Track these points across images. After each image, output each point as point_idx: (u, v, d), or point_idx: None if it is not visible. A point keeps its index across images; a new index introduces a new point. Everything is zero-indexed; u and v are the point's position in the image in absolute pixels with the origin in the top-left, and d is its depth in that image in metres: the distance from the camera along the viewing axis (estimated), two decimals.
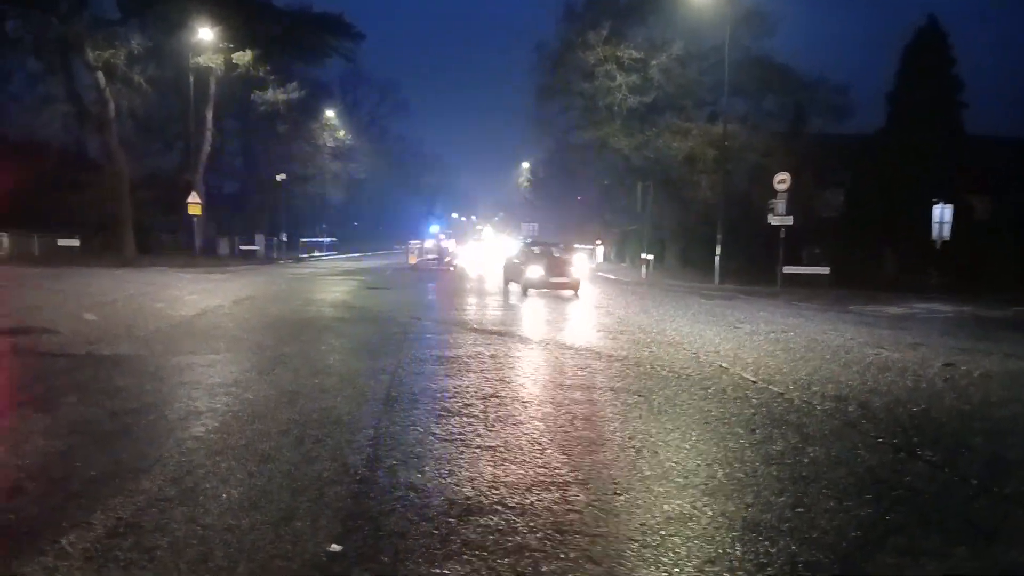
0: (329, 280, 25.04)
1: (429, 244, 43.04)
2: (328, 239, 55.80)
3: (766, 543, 4.03)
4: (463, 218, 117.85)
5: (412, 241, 42.34)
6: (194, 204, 33.24)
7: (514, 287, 22.41)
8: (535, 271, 20.44)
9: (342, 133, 52.69)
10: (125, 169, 34.71)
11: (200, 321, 12.87)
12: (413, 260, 38.93)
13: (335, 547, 3.80)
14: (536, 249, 23.60)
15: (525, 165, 74.58)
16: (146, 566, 3.57)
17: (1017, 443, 6.53)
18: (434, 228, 52.41)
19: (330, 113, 50.74)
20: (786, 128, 36.39)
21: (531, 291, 20.57)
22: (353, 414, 6.55)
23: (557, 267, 20.94)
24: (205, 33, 33.38)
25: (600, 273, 33.49)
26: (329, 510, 4.30)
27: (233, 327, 12.29)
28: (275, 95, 38.79)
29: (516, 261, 22.72)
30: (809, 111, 37.01)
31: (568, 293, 20.81)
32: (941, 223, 24.76)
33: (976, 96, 36.34)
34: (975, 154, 32.98)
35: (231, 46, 34.98)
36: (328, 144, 49.39)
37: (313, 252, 49.60)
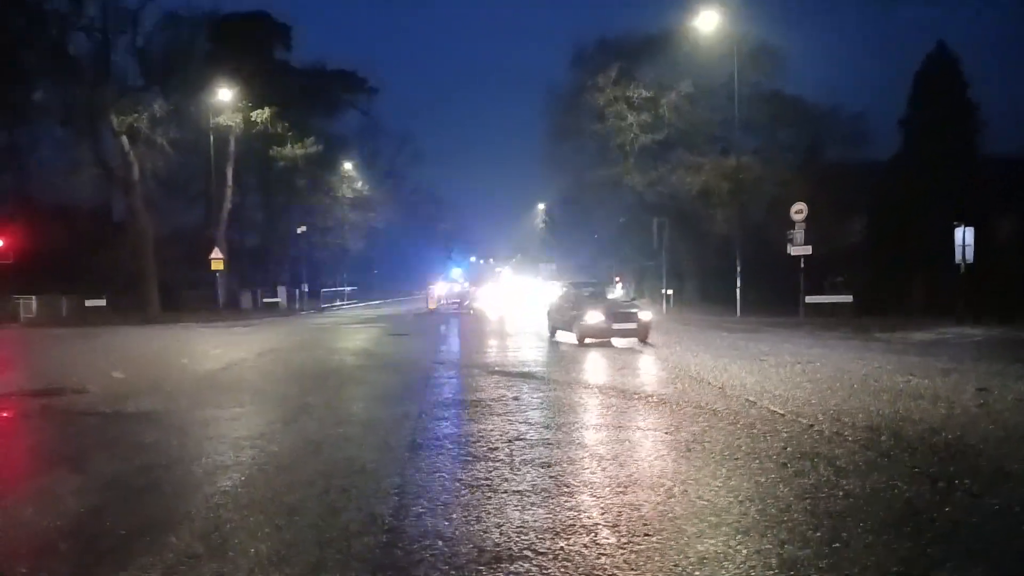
0: (351, 329, 25.19)
1: (445, 288, 43.30)
2: (349, 288, 56.27)
3: None
4: (481, 261, 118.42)
5: (431, 285, 42.56)
6: (216, 260, 33.76)
7: (564, 335, 19.08)
8: (594, 316, 17.06)
9: (360, 184, 53.52)
10: (149, 228, 35.42)
11: (224, 375, 12.96)
12: (432, 305, 39.09)
13: None
14: (587, 291, 20.74)
15: (540, 206, 75.13)
16: None
17: None
18: (455, 272, 52.82)
19: (348, 165, 51.63)
20: (801, 158, 36.44)
21: (588, 340, 17.30)
22: (378, 462, 6.53)
23: (620, 311, 17.71)
24: (224, 94, 34.30)
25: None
26: (357, 561, 4.26)
27: (257, 379, 12.37)
28: (293, 150, 39.62)
29: (566, 305, 19.34)
30: (825, 140, 37.06)
31: (631, 341, 17.62)
32: (964, 246, 24.46)
33: (994, 117, 36.20)
34: (995, 174, 32.70)
35: (249, 104, 35.88)
36: (347, 195, 50.13)
37: (335, 301, 49.99)
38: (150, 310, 34.56)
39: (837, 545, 4.45)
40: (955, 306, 24.90)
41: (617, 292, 38.03)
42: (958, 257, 24.76)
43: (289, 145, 39.34)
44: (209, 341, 20.27)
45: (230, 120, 35.52)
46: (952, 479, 5.83)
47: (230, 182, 38.77)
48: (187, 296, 39.53)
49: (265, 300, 41.34)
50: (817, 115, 35.76)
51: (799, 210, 25.67)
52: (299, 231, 43.49)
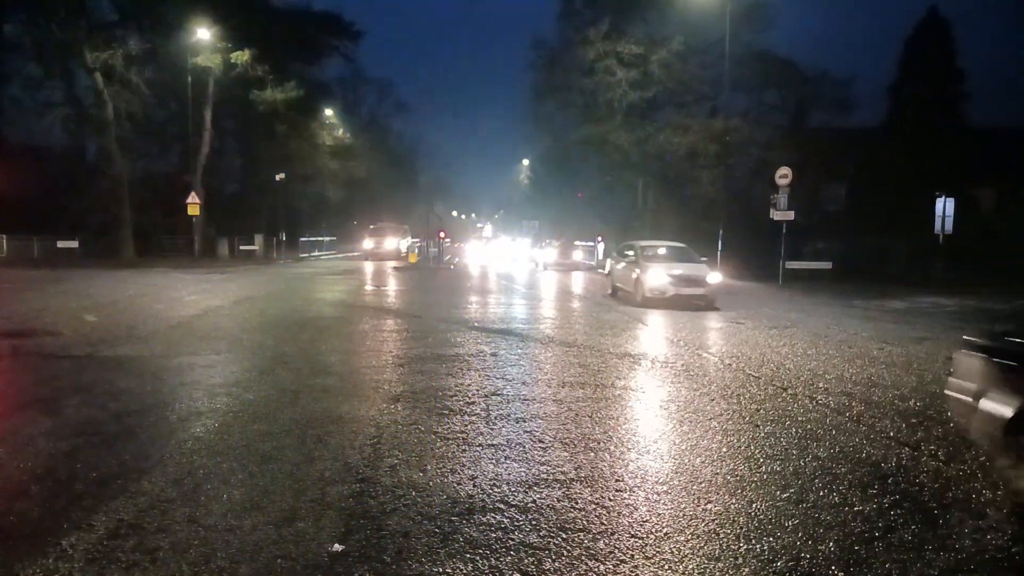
0: (329, 279, 25.01)
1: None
2: (328, 238, 55.75)
3: (770, 540, 4.01)
4: (463, 216, 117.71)
5: (412, 239, 42.35)
6: (193, 204, 33.23)
7: (623, 294, 18.59)
8: (657, 276, 16.43)
9: (341, 132, 52.65)
10: (124, 171, 34.70)
11: (200, 322, 12.85)
12: (413, 258, 38.90)
13: (337, 547, 3.78)
14: (658, 249, 18.84)
15: (525, 162, 74.54)
16: (148, 567, 3.55)
17: None
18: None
19: (329, 112, 50.71)
20: (788, 122, 36.34)
21: (650, 296, 16.48)
22: (354, 413, 6.53)
23: (685, 274, 16.49)
24: (203, 33, 33.34)
25: (601, 270, 33.44)
26: (331, 510, 4.28)
27: (233, 327, 12.27)
28: (273, 94, 38.75)
29: (626, 264, 18.48)
30: (811, 105, 36.95)
31: (697, 303, 16.58)
32: (944, 216, 24.69)
33: (980, 87, 36.30)
34: (978, 146, 32.87)
35: (229, 45, 34.92)
36: (327, 143, 49.33)
37: (313, 251, 49.58)
38: (124, 255, 34.06)
39: (804, 505, 4.54)
40: (932, 275, 25.21)
41: (599, 252, 37.97)
42: (938, 227, 24.98)
43: (269, 89, 38.47)
44: (184, 288, 20.04)
45: (208, 61, 34.58)
46: (919, 444, 5.95)
47: (208, 126, 37.91)
48: (162, 242, 38.99)
49: (242, 248, 40.86)
50: (805, 77, 35.59)
51: (784, 175, 25.64)
52: (278, 178, 42.82)
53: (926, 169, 30.64)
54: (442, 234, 47.55)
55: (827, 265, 27.36)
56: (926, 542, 4.06)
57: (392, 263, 36.98)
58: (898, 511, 4.48)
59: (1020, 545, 4.10)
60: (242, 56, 35.30)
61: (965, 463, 5.48)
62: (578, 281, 27.61)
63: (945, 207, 24.66)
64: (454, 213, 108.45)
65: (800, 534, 4.10)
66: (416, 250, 40.91)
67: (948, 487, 5.00)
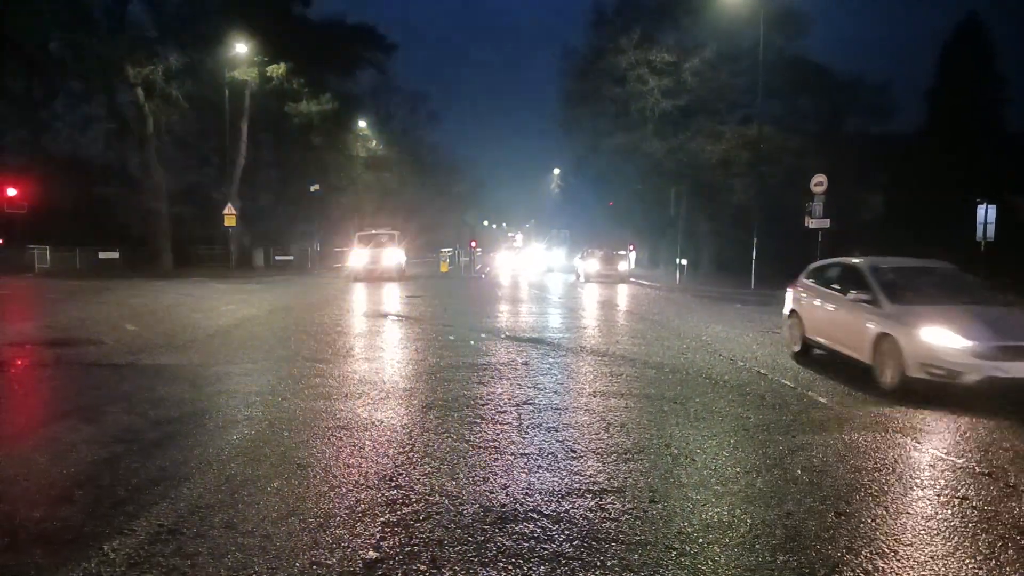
0: (362, 289, 25.25)
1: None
2: None
3: (809, 552, 3.95)
4: (494, 226, 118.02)
5: (444, 249, 42.56)
6: (229, 216, 33.80)
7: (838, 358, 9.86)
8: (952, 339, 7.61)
9: (375, 143, 53.20)
10: (163, 183, 35.48)
11: (237, 331, 13.05)
12: (445, 268, 39.09)
13: (372, 554, 3.81)
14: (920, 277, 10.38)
15: (556, 171, 74.62)
16: (187, 572, 3.61)
17: None
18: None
19: (363, 124, 51.30)
20: (822, 129, 35.87)
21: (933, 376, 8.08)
22: (388, 421, 6.58)
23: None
24: (240, 47, 34.01)
25: (633, 279, 33.25)
26: (366, 517, 4.31)
27: (269, 337, 12.45)
28: (308, 107, 39.33)
29: (836, 300, 9.95)
30: (847, 111, 36.42)
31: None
32: (985, 223, 24.12)
33: (1020, 92, 35.47)
34: (1019, 152, 32.10)
35: (265, 59, 35.57)
36: (361, 154, 49.86)
37: (347, 262, 50.14)
38: (163, 265, 34.76)
39: (843, 517, 4.46)
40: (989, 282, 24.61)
41: (631, 260, 37.52)
42: (979, 235, 24.45)
43: (304, 102, 39.07)
44: (221, 297, 20.38)
45: (245, 75, 35.25)
46: (964, 456, 5.81)
47: (244, 138, 38.61)
48: (200, 252, 39.69)
49: (277, 258, 41.45)
50: (840, 84, 35.11)
51: (819, 182, 25.28)
52: (312, 189, 43.42)
53: (964, 176, 29.98)
54: (473, 243, 47.65)
55: None
56: (966, 550, 3.96)
57: (427, 272, 37.16)
58: (936, 522, 4.38)
59: None
60: (278, 69, 35.92)
61: (1003, 475, 5.34)
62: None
63: (987, 214, 24.11)
64: (485, 222, 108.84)
65: (840, 546, 4.03)
66: (448, 260, 41.06)
67: (991, 498, 4.87)
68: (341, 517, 4.30)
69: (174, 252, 35.92)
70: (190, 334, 12.33)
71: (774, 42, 32.23)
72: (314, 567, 3.67)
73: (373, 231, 32.68)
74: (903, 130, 37.29)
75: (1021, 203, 32.24)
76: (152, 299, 19.23)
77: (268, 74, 36.01)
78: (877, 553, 3.96)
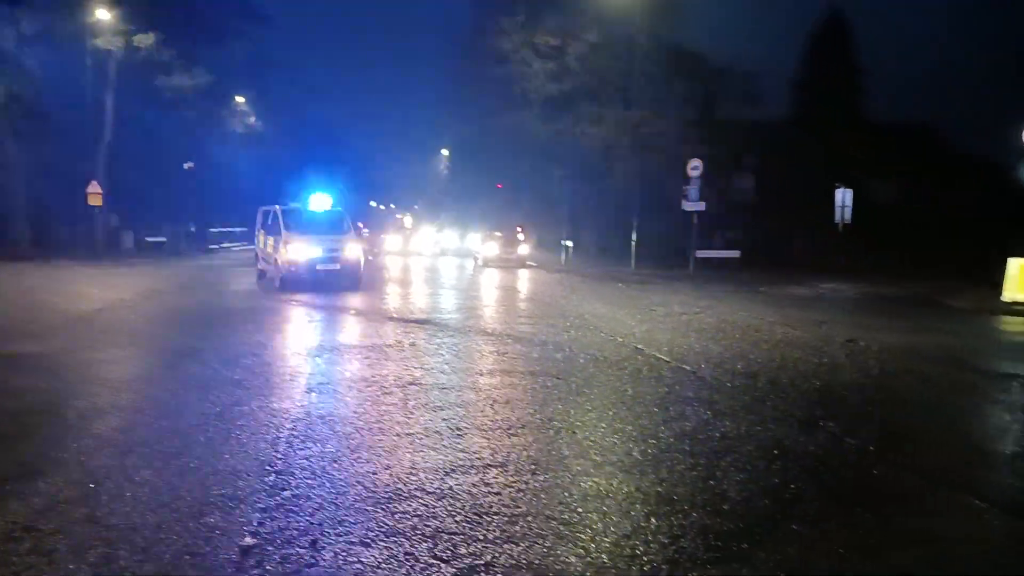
0: (241, 271, 24.28)
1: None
2: (240, 229, 54.03)
3: (679, 515, 4.16)
4: (381, 207, 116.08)
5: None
6: (94, 195, 31.60)
7: None
8: None
9: (252, 119, 51.05)
10: (19, 159, 32.69)
11: (103, 316, 12.27)
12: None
13: (249, 540, 3.71)
14: None
15: (444, 152, 74.11)
16: (44, 570, 3.39)
17: (911, 412, 6.95)
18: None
19: (239, 98, 49.07)
20: (699, 115, 37.34)
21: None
22: (267, 406, 6.39)
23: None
24: (103, 14, 31.68)
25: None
26: (243, 504, 4.18)
27: (139, 321, 11.78)
28: (180, 80, 37.19)
29: None
30: (721, 97, 38.06)
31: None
32: (843, 206, 25.94)
33: (878, 83, 38.27)
34: (876, 139, 34.68)
35: (132, 28, 33.30)
36: (238, 130, 47.74)
37: (224, 243, 47.99)
38: (19, 246, 32.11)
39: (712, 482, 4.72)
40: (832, 263, 26.51)
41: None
42: (837, 217, 26.22)
43: (176, 75, 36.89)
44: (86, 281, 19.07)
45: (110, 44, 32.88)
46: (818, 421, 6.27)
47: (110, 112, 36.10)
48: (62, 234, 36.89)
49: (148, 239, 39.14)
50: (714, 71, 36.60)
51: (695, 166, 26.41)
52: (186, 167, 41.22)
53: (826, 160, 32.12)
54: (360, 225, 46.72)
55: (735, 254, 28.39)
56: (824, 513, 4.30)
57: None
58: (798, 484, 4.72)
59: (909, 513, 4.38)
60: (146, 39, 33.70)
61: (859, 437, 5.81)
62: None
63: (844, 198, 25.92)
64: (372, 203, 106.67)
65: (707, 509, 4.27)
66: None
67: (844, 460, 5.30)
68: (216, 505, 4.15)
69: (33, 233, 33.26)
70: (49, 320, 11.49)
71: (653, 29, 33.23)
72: (186, 557, 3.53)
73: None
74: (773, 117, 39.38)
75: (878, 187, 34.86)
76: (8, 283, 17.75)
77: (135, 44, 33.73)
78: (739, 514, 4.23)
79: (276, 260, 16.92)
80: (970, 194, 31.62)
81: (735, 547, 3.78)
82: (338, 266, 16.63)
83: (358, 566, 3.49)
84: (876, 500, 4.53)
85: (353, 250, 17.19)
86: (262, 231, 19.30)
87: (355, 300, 15.42)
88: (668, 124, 34.00)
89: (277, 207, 17.98)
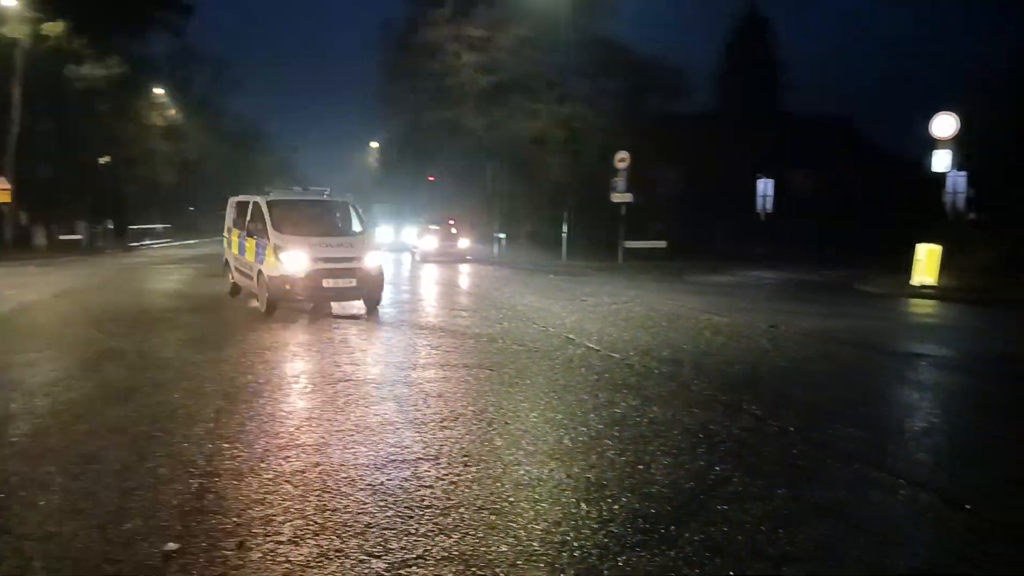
0: (162, 269, 23.46)
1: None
2: (161, 226, 52.13)
3: (609, 500, 4.25)
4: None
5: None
6: (2, 191, 30.00)
7: None
8: None
9: (172, 112, 49.27)
10: None
11: (16, 318, 11.68)
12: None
13: (172, 545, 3.61)
14: None
15: (374, 145, 73.11)
16: None
17: (828, 393, 7.25)
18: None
19: (158, 91, 47.26)
20: (627, 108, 37.90)
21: None
22: (191, 408, 6.21)
23: None
24: (8, 1, 30.01)
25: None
26: (165, 509, 4.07)
27: (54, 322, 11.26)
28: (93, 70, 35.54)
29: None
30: (649, 91, 38.71)
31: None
32: (764, 197, 26.82)
33: (798, 77, 39.60)
34: (796, 131, 35.92)
35: (40, 16, 31.64)
36: (156, 123, 45.99)
37: (144, 240, 46.25)
38: None
39: (640, 466, 4.83)
40: (755, 251, 27.36)
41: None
42: (759, 207, 27.07)
43: (88, 65, 35.22)
44: None
45: (16, 32, 31.17)
46: (741, 404, 6.48)
47: (17, 104, 34.24)
48: None
49: (62, 238, 37.32)
50: (642, 65, 37.20)
51: (622, 159, 26.82)
52: (102, 162, 39.45)
53: (749, 153, 33.12)
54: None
55: (663, 244, 28.99)
56: (747, 492, 4.45)
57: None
58: (722, 466, 4.88)
59: (829, 487, 4.58)
60: (56, 28, 32.06)
61: (780, 419, 6.04)
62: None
63: (765, 188, 26.78)
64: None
65: (636, 494, 4.37)
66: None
67: (765, 442, 5.50)
68: (137, 510, 4.02)
69: None
70: None
71: (583, 23, 33.53)
72: (105, 564, 3.42)
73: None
74: (698, 110, 40.31)
75: (797, 178, 36.11)
76: None
77: (44, 33, 32.06)
78: (666, 497, 4.34)
79: (261, 274, 11.77)
80: (883, 184, 33.10)
81: (662, 529, 3.89)
82: (353, 282, 11.49)
83: (287, 566, 3.44)
84: (794, 478, 4.73)
85: (373, 258, 12.04)
86: (235, 231, 14.16)
87: None
88: (598, 118, 34.40)
89: (259, 198, 12.65)
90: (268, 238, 11.65)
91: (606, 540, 3.74)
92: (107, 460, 4.84)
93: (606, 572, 3.42)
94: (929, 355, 9.55)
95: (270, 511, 4.04)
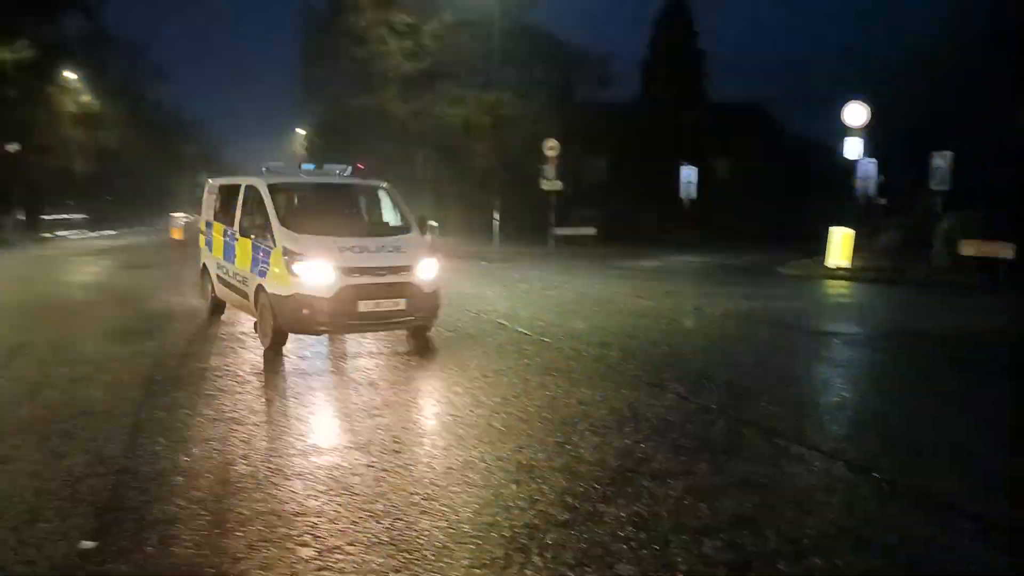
0: (78, 261, 22.45)
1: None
2: (78, 216, 49.79)
3: (539, 481, 4.32)
4: None
5: (175, 214, 39.10)
6: None
7: None
8: None
9: (87, 98, 47.00)
10: None
11: None
12: (178, 235, 35.96)
13: (87, 544, 3.49)
14: None
15: (300, 132, 71.48)
16: None
17: (747, 371, 7.52)
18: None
19: (71, 76, 45.00)
20: (555, 96, 38.12)
21: None
22: (109, 403, 5.99)
23: None
24: None
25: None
26: (82, 506, 3.93)
27: None
28: (0, 54, 33.63)
29: None
30: (576, 79, 39.03)
31: None
32: (688, 183, 27.46)
33: (719, 66, 40.54)
34: (718, 120, 36.81)
35: None
36: (70, 110, 43.81)
37: (58, 231, 44.10)
38: None
39: (568, 447, 4.93)
40: (679, 237, 28.02)
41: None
42: (682, 193, 27.70)
43: None
44: None
45: None
46: (665, 384, 6.67)
47: None
48: None
49: None
50: (569, 53, 37.46)
51: (552, 147, 27.01)
52: (10, 149, 37.38)
53: (673, 140, 33.81)
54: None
55: (591, 231, 29.39)
56: (669, 469, 4.60)
57: (159, 240, 33.90)
58: (647, 443, 5.02)
59: (748, 462, 4.77)
60: None
61: (702, 398, 6.25)
62: None
63: (688, 175, 27.41)
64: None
65: (564, 473, 4.46)
66: (183, 226, 37.73)
67: (687, 419, 5.68)
68: (51, 510, 3.88)
69: None
70: None
71: (510, 10, 33.47)
72: (17, 566, 3.29)
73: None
74: (624, 98, 40.85)
75: (719, 165, 37.06)
76: None
77: None
78: (594, 475, 4.45)
79: (263, 290, 8.13)
80: (802, 170, 34.30)
81: (589, 507, 3.99)
82: (402, 303, 7.98)
83: (213, 558, 3.38)
84: (716, 453, 4.90)
85: (428, 268, 8.32)
86: (217, 226, 10.03)
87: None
88: (526, 105, 34.49)
89: (257, 181, 8.91)
90: (273, 239, 8.01)
91: (535, 519, 3.81)
92: (17, 460, 4.63)
93: (535, 550, 3.49)
94: (841, 333, 10.03)
95: (192, 505, 3.95)
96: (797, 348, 9.19)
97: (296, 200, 9.23)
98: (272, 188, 8.61)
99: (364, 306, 7.67)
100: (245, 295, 8.71)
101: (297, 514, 3.84)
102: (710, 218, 30.60)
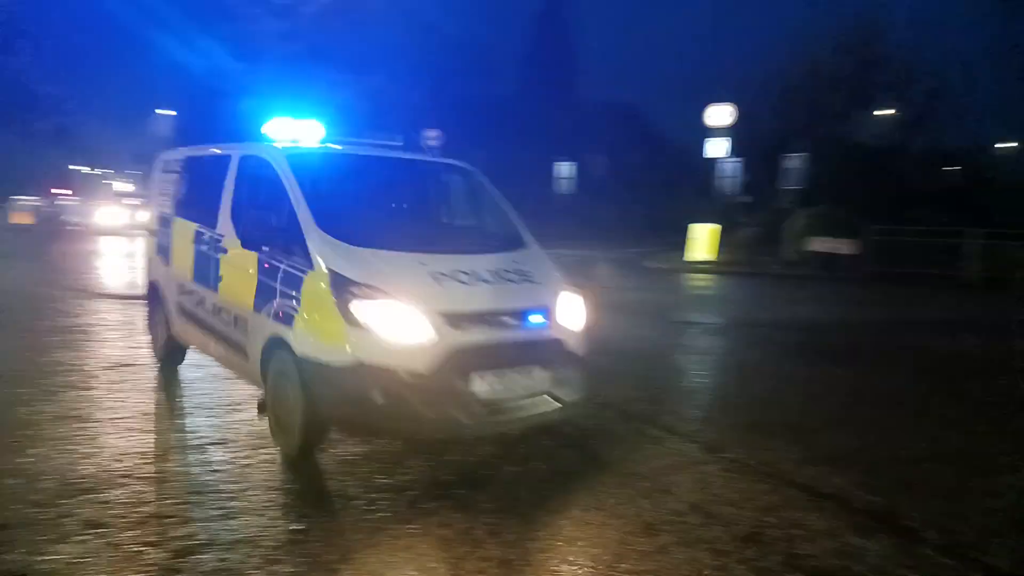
0: None
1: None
2: None
3: (408, 471, 4.33)
4: (89, 170, 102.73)
5: (18, 197, 35.98)
6: None
7: None
8: None
9: None
10: None
11: None
12: (29, 219, 33.08)
13: None
14: None
15: (169, 113, 67.33)
16: None
17: (613, 360, 7.79)
18: None
19: None
20: (436, 87, 37.98)
21: None
22: None
23: None
24: None
25: None
26: None
27: None
28: None
29: None
30: (458, 72, 39.03)
31: None
32: (562, 179, 28.13)
33: (594, 65, 41.64)
34: (591, 117, 37.88)
35: None
36: None
37: None
38: None
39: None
40: (552, 232, 28.67)
41: None
42: (556, 189, 28.33)
43: None
44: None
45: None
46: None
47: None
48: None
49: None
50: (450, 45, 37.43)
51: (434, 136, 26.87)
52: None
53: (548, 136, 34.54)
54: (59, 190, 41.06)
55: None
56: (537, 453, 4.73)
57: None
58: (514, 433, 5.14)
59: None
60: None
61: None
62: None
63: (562, 171, 28.08)
64: (84, 169, 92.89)
65: (433, 462, 4.49)
66: (33, 210, 34.70)
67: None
68: None
69: None
70: None
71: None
72: None
73: None
74: (504, 92, 41.26)
75: (594, 162, 38.14)
76: None
77: None
78: (459, 463, 4.51)
79: (290, 353, 4.31)
80: (670, 168, 35.90)
81: (456, 493, 4.05)
82: (545, 378, 4.47)
83: (51, 565, 3.17)
84: (580, 438, 5.09)
85: (572, 308, 4.97)
86: (181, 223, 6.15)
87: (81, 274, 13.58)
88: (409, 94, 34.17)
89: (266, 150, 5.17)
90: (307, 256, 4.39)
91: (403, 509, 3.83)
92: None
93: (402, 539, 3.51)
94: (699, 322, 10.65)
95: (33, 510, 3.68)
96: (660, 336, 9.67)
97: (342, 187, 5.28)
98: (297, 161, 4.92)
99: (482, 385, 4.17)
100: (238, 349, 5.02)
101: (150, 517, 3.65)
102: (583, 213, 31.49)
